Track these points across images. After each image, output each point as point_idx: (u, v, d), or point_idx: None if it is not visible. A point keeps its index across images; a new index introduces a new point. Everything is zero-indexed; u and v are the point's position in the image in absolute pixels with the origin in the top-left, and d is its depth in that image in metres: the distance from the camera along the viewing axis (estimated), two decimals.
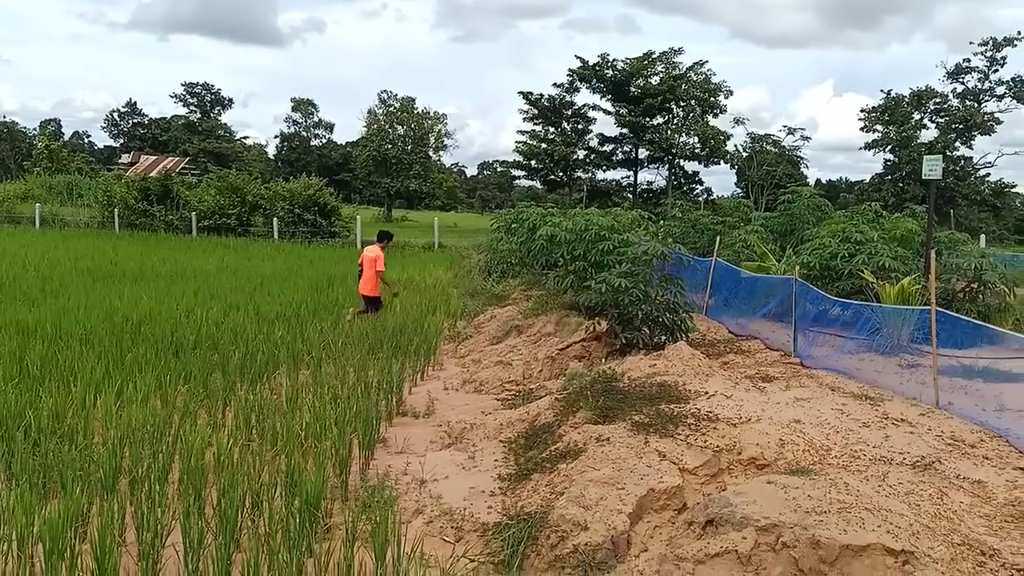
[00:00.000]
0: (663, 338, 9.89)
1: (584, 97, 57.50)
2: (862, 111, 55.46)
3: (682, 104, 56.11)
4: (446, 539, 5.19)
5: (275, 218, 33.80)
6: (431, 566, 4.71)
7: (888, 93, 53.81)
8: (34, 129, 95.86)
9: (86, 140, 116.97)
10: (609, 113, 57.39)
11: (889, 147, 53.66)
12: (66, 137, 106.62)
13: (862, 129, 55.10)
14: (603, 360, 9.74)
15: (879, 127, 54.05)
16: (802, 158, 62.82)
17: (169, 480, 5.86)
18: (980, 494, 5.18)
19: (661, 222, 19.27)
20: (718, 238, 15.41)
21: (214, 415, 7.62)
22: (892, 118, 53.04)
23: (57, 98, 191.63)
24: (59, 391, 7.54)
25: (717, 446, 5.81)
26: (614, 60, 55.39)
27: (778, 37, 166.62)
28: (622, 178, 61.25)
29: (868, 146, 54.92)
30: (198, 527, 4.82)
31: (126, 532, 4.99)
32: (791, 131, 61.31)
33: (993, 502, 5.07)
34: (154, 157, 69.20)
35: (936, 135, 51.62)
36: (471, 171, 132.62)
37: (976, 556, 4.30)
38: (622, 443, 5.91)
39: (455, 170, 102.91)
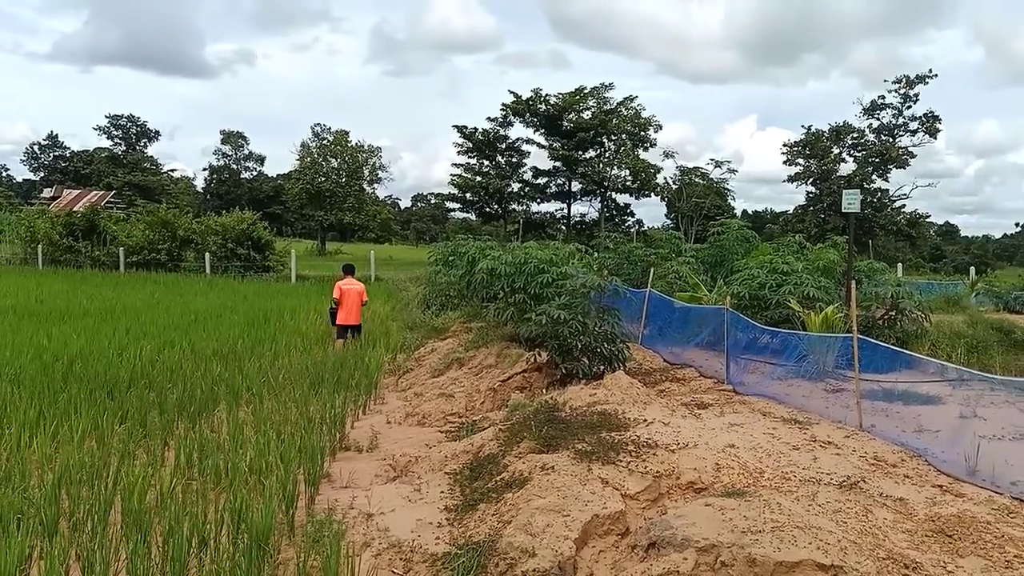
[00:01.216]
0: (602, 368, 10.11)
1: (518, 131, 58.10)
2: (784, 145, 57.57)
3: (613, 138, 57.31)
4: (395, 571, 5.23)
5: (207, 253, 33.18)
6: None
7: (808, 128, 56.07)
8: None
9: (4, 173, 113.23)
10: (543, 147, 58.17)
11: (810, 180, 55.78)
12: None
13: (785, 162, 57.10)
14: (544, 390, 9.92)
15: (800, 161, 56.13)
16: (729, 190, 64.55)
17: (111, 521, 5.77)
18: (902, 511, 5.47)
19: (595, 254, 19.64)
20: (651, 269, 15.79)
21: (154, 454, 7.49)
22: (812, 152, 55.18)
23: None
24: None
25: (657, 471, 6.02)
26: (547, 95, 56.36)
27: (703, 73, 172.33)
28: (556, 210, 62.06)
29: (791, 179, 56.94)
30: (145, 567, 4.79)
31: (71, 575, 4.92)
32: (718, 164, 62.91)
33: (915, 518, 5.37)
34: (78, 191, 67.28)
35: (854, 168, 53.86)
36: (405, 203, 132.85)
37: (900, 569, 4.55)
38: (566, 471, 6.07)
39: (389, 202, 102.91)
